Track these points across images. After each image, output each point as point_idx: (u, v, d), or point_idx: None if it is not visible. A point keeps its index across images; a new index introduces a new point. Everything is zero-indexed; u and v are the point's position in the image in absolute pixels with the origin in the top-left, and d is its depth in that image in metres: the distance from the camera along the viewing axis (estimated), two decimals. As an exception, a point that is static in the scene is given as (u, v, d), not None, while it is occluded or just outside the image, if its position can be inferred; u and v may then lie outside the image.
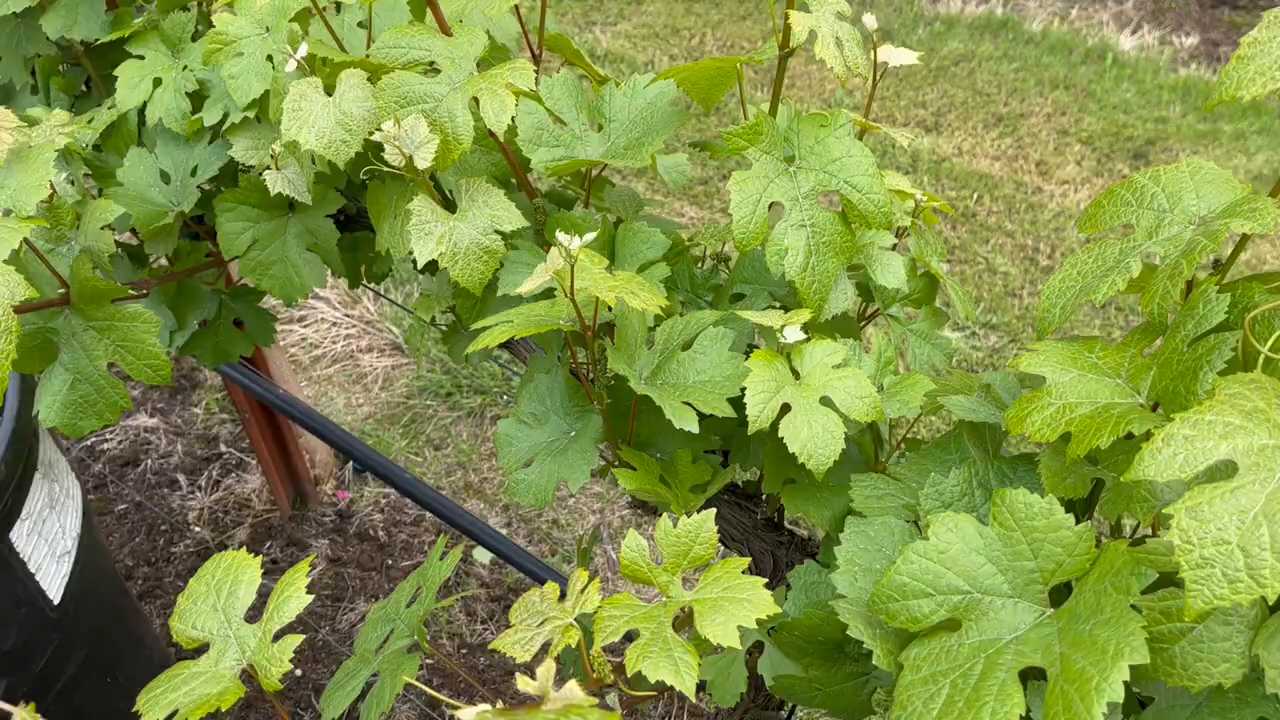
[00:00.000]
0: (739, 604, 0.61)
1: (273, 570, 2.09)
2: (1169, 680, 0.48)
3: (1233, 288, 0.54)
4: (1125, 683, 0.45)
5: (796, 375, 0.71)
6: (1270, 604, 0.42)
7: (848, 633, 0.59)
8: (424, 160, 0.74)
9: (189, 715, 0.59)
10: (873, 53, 0.82)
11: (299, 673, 1.92)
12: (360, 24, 0.98)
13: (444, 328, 1.00)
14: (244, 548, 2.11)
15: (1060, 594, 0.54)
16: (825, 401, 0.69)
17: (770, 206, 0.74)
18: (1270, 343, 0.48)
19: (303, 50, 0.81)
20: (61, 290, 0.91)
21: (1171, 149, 3.10)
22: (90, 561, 1.25)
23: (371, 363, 2.48)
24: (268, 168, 0.93)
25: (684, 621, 0.62)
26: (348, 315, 2.60)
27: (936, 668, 0.54)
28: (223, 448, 2.33)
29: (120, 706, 1.34)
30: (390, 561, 2.07)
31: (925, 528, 0.59)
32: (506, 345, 1.02)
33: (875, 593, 0.58)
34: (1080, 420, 0.54)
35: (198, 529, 2.17)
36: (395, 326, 2.57)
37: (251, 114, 0.96)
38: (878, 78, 0.84)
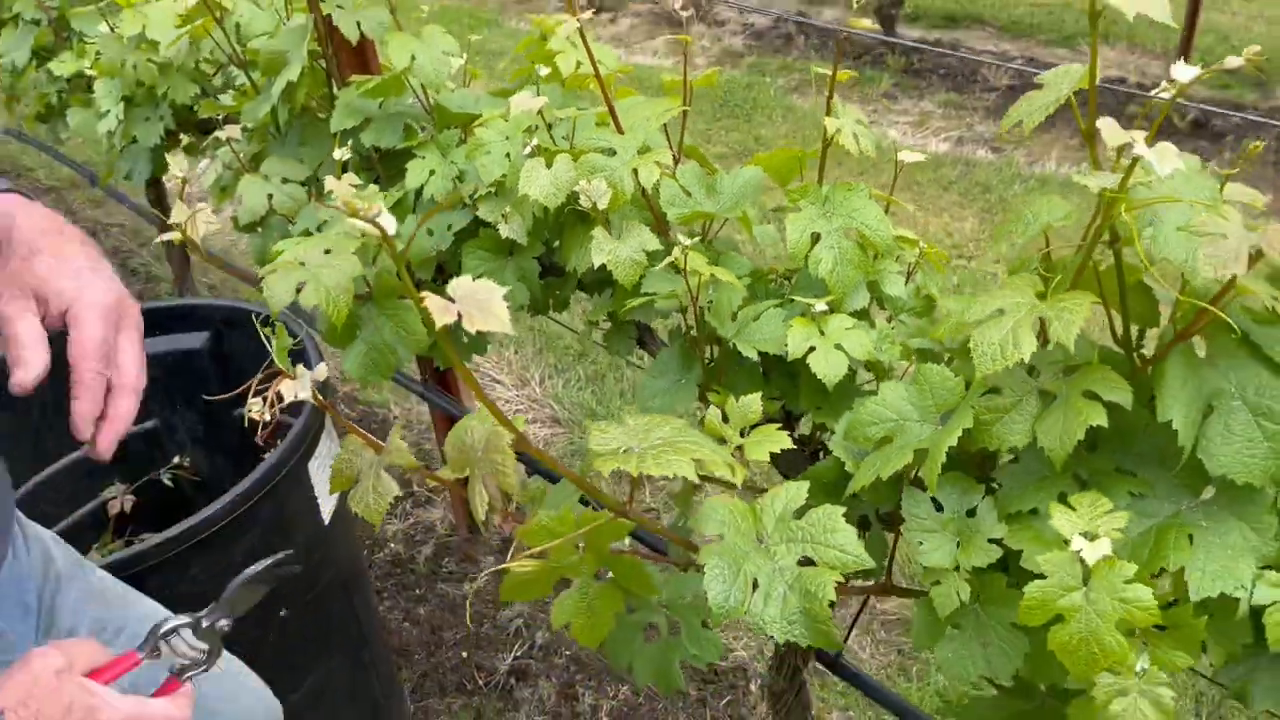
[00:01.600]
0: (769, 441, 0.99)
1: (449, 579, 2.52)
2: (989, 444, 0.85)
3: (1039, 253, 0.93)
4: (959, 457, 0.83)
5: (822, 333, 1.10)
6: (979, 374, 0.80)
7: (835, 454, 0.97)
8: (602, 204, 1.19)
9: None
10: (895, 154, 1.24)
11: (465, 655, 2.30)
12: (564, 137, 1.46)
13: (603, 335, 1.44)
14: (427, 562, 2.55)
15: (945, 417, 0.91)
16: (838, 347, 1.08)
17: (813, 235, 1.16)
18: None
19: (533, 144, 1.29)
20: (367, 290, 1.39)
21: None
22: (341, 508, 1.70)
23: (534, 431, 2.95)
24: (501, 222, 1.40)
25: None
26: (519, 394, 3.10)
27: (881, 461, 0.92)
28: (415, 488, 2.80)
29: (351, 625, 1.76)
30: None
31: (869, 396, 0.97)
32: (642, 344, 1.44)
33: (847, 429, 0.96)
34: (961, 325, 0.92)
35: (393, 545, 2.62)
36: (555, 403, 3.04)
37: (492, 189, 1.44)
38: (898, 170, 1.26)
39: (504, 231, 1.40)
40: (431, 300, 0.64)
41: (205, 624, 0.82)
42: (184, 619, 0.82)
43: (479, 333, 1.63)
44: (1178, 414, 0.79)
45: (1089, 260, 0.80)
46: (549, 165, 1.26)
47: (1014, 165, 4.33)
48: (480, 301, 0.66)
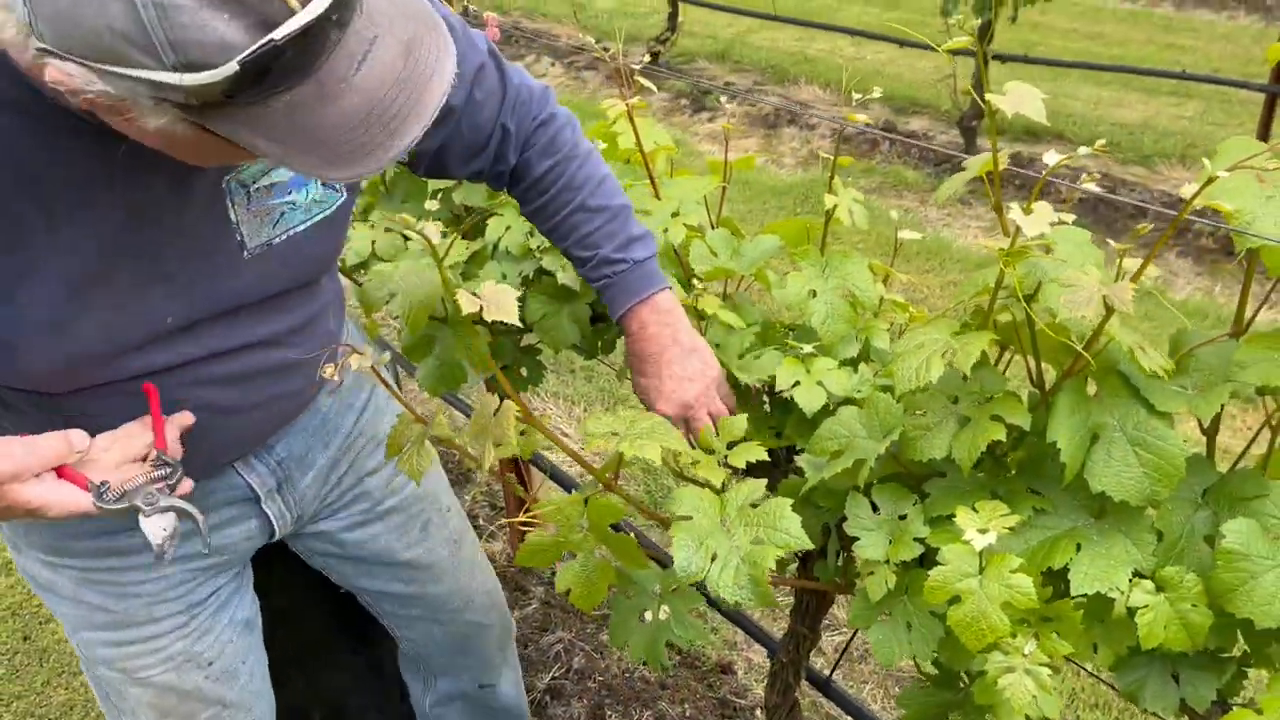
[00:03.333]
0: (747, 453, 1.17)
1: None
2: (915, 455, 1.01)
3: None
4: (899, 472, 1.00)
5: (808, 372, 1.28)
6: (898, 393, 0.97)
7: (802, 467, 1.15)
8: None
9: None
10: (894, 232, 1.43)
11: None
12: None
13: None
14: (484, 587, 2.74)
15: (886, 435, 1.08)
16: (820, 384, 1.26)
17: (810, 292, 1.35)
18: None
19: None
20: (443, 315, 1.62)
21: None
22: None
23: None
24: (559, 271, 1.63)
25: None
26: (571, 431, 3.30)
27: (837, 470, 1.09)
28: (481, 522, 3.01)
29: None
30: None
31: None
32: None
33: (810, 444, 1.14)
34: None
35: (455, 569, 2.82)
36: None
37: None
38: (898, 244, 1.45)
39: (560, 279, 1.62)
40: (463, 295, 0.86)
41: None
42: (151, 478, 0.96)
43: (535, 367, 1.85)
44: (1062, 436, 0.95)
45: (992, 307, 0.97)
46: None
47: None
48: (497, 299, 0.87)
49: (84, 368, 0.96)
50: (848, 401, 1.30)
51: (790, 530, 1.01)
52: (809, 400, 1.23)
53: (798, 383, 1.25)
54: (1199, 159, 5.59)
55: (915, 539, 1.04)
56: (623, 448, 0.96)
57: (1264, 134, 4.54)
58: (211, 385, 1.05)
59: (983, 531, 0.93)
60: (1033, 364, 1.03)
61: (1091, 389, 0.98)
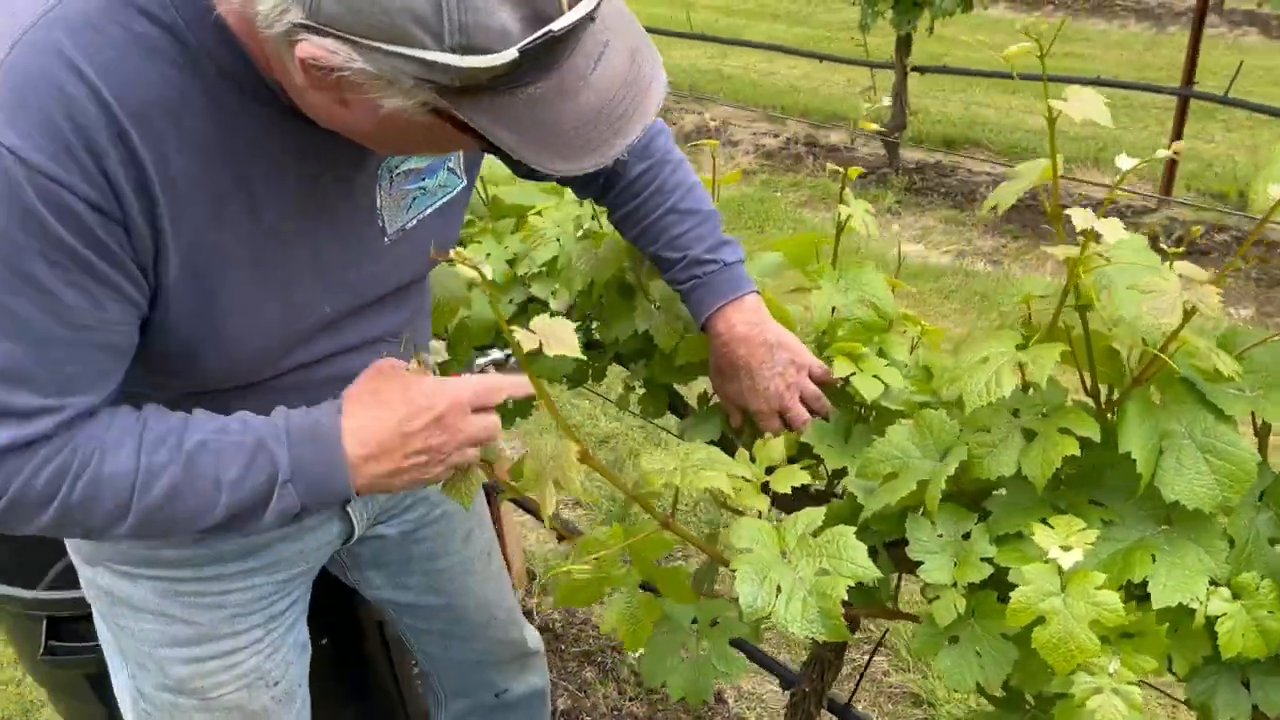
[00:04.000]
0: (790, 477, 1.13)
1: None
2: (980, 474, 0.98)
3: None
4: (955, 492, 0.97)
5: (860, 369, 1.24)
6: (968, 410, 0.94)
7: (850, 490, 1.11)
8: (649, 279, 1.36)
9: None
10: (898, 247, 1.41)
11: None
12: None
13: (638, 400, 1.59)
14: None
15: (943, 454, 1.05)
16: (876, 377, 1.23)
17: (833, 308, 1.32)
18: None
19: (585, 228, 1.47)
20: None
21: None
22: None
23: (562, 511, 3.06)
24: (550, 298, 1.57)
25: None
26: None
27: (889, 491, 1.05)
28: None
29: (383, 667, 1.86)
30: (563, 647, 2.54)
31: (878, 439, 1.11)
32: (673, 409, 1.59)
33: (860, 468, 1.10)
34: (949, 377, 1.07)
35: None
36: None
37: (543, 269, 1.61)
38: (900, 256, 1.43)
39: (554, 305, 1.56)
40: (520, 332, 0.80)
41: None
42: (496, 354, 1.20)
43: (524, 400, 1.78)
44: (1135, 446, 0.93)
45: (1059, 316, 0.95)
46: (597, 247, 1.43)
47: (1010, 275, 4.54)
48: (555, 332, 0.82)
49: (257, 362, 0.97)
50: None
51: (857, 559, 0.97)
52: (868, 388, 1.20)
53: (854, 373, 1.21)
54: (1111, 161, 5.80)
55: (982, 559, 1.01)
56: (682, 482, 0.91)
57: (1178, 135, 4.73)
58: (340, 382, 1.00)
59: (1066, 549, 0.91)
60: (1089, 378, 1.01)
61: (1155, 398, 0.96)
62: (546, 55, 0.73)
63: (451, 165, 1.09)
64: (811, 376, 1.28)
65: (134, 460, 0.88)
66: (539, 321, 0.83)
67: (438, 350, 0.99)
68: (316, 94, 0.79)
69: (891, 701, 2.33)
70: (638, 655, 2.52)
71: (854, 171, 1.35)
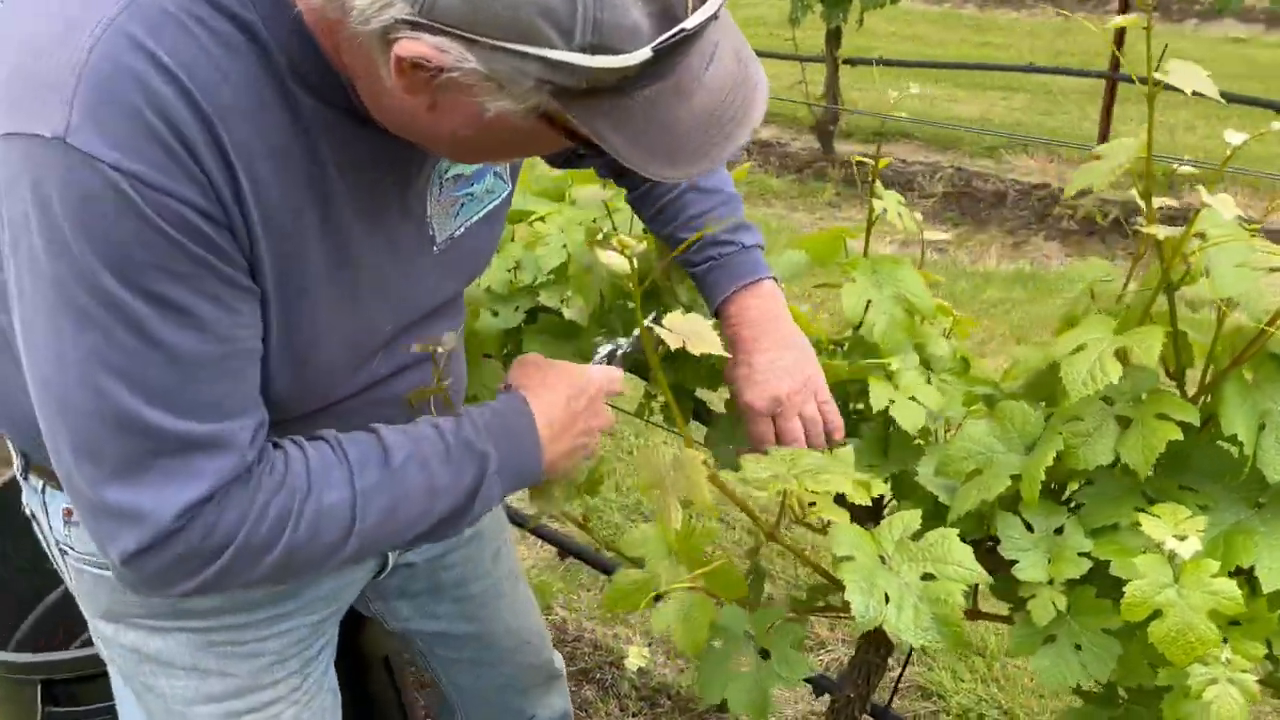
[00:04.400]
0: (871, 487, 1.09)
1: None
2: (1077, 464, 0.96)
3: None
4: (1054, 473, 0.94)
5: (896, 388, 1.21)
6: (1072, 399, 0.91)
7: (934, 492, 1.07)
8: (679, 281, 1.31)
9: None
10: (920, 234, 1.39)
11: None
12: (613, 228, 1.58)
13: (661, 408, 1.53)
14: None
15: (1028, 446, 1.02)
16: (913, 399, 1.19)
17: (866, 303, 1.28)
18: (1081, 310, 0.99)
19: (604, 229, 1.41)
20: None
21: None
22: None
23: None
24: (563, 307, 1.51)
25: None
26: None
27: (979, 488, 1.02)
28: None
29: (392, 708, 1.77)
30: (558, 666, 2.46)
31: (957, 432, 1.08)
32: (698, 416, 1.54)
33: (939, 466, 1.06)
34: (1030, 366, 1.04)
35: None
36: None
37: (551, 277, 1.55)
38: (924, 247, 1.40)
39: (568, 314, 1.50)
40: (660, 330, 0.74)
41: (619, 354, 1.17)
42: (606, 348, 1.19)
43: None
44: (1240, 427, 0.91)
45: (1154, 300, 0.93)
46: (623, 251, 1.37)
47: (959, 263, 4.60)
48: (695, 330, 0.76)
49: (325, 385, 0.93)
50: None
51: (964, 562, 0.94)
52: (910, 418, 1.16)
53: (892, 401, 1.18)
54: (1040, 148, 5.94)
55: (1079, 554, 0.98)
56: (795, 487, 0.86)
57: (1106, 117, 4.85)
58: (391, 406, 1.00)
59: (1180, 538, 0.88)
60: (1170, 361, 0.99)
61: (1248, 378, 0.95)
62: (672, 56, 0.69)
63: (498, 170, 1.04)
64: (826, 424, 1.21)
65: (348, 488, 0.86)
66: (675, 319, 0.77)
67: (450, 340, 0.96)
68: (408, 97, 0.72)
69: (899, 696, 2.31)
70: (636, 669, 2.45)
71: (884, 162, 1.32)
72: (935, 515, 1.15)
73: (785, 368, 1.19)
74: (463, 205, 1.00)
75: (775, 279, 1.26)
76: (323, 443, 0.88)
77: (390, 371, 1.00)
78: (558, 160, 1.24)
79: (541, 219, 1.58)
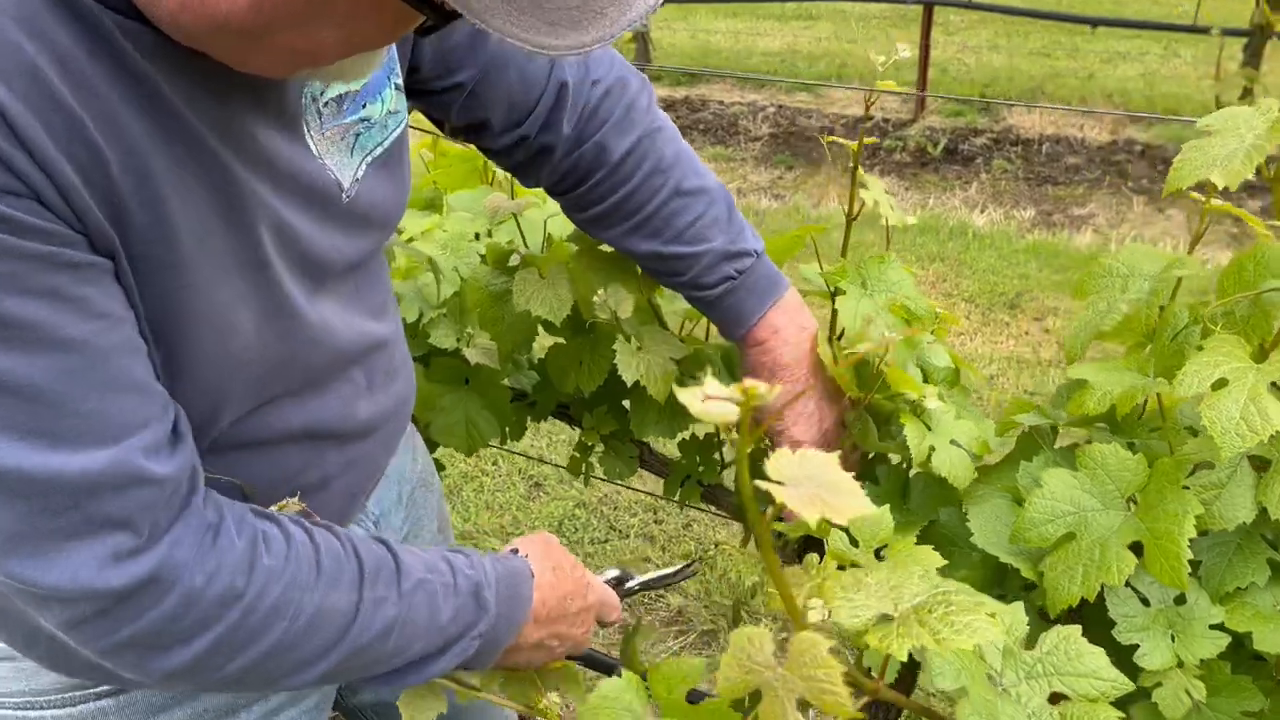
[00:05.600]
0: (919, 559, 0.89)
1: None
2: (1213, 525, 0.78)
3: (1188, 306, 0.89)
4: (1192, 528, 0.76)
5: (929, 428, 1.01)
6: (1265, 459, 0.74)
7: (1003, 560, 0.88)
8: (625, 312, 1.05)
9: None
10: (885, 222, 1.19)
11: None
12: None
13: (599, 459, 1.28)
14: None
15: (1131, 502, 0.84)
16: (954, 443, 1.00)
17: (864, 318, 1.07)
18: (1219, 325, 0.82)
19: (517, 257, 1.12)
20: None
21: (1036, 297, 3.63)
22: None
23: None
24: (463, 347, 1.22)
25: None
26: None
27: (1070, 563, 0.83)
28: None
29: None
30: None
31: (1032, 489, 0.89)
32: (644, 463, 1.30)
33: (1015, 529, 0.87)
34: (1119, 396, 0.86)
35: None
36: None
37: (443, 311, 1.25)
38: (890, 233, 1.20)
39: (472, 356, 1.21)
40: (781, 493, 0.48)
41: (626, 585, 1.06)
42: (614, 572, 1.06)
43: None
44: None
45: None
46: (543, 274, 1.10)
47: (802, 209, 4.51)
48: (826, 480, 0.51)
49: (232, 390, 0.74)
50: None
51: (1100, 671, 0.74)
52: (959, 471, 0.96)
53: (933, 449, 0.97)
54: (853, 78, 5.95)
55: (1211, 626, 0.81)
56: (943, 641, 0.63)
57: (925, 41, 4.85)
58: (322, 440, 0.85)
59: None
60: None
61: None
62: None
63: (397, 80, 0.83)
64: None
65: (355, 592, 0.74)
66: (783, 463, 0.50)
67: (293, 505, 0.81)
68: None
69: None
70: None
71: (870, 140, 1.10)
72: (994, 582, 0.97)
73: (832, 396, 1.05)
74: (359, 135, 0.79)
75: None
76: (329, 533, 0.76)
77: (316, 380, 0.82)
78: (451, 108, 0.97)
79: (410, 239, 1.28)
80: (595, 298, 1.05)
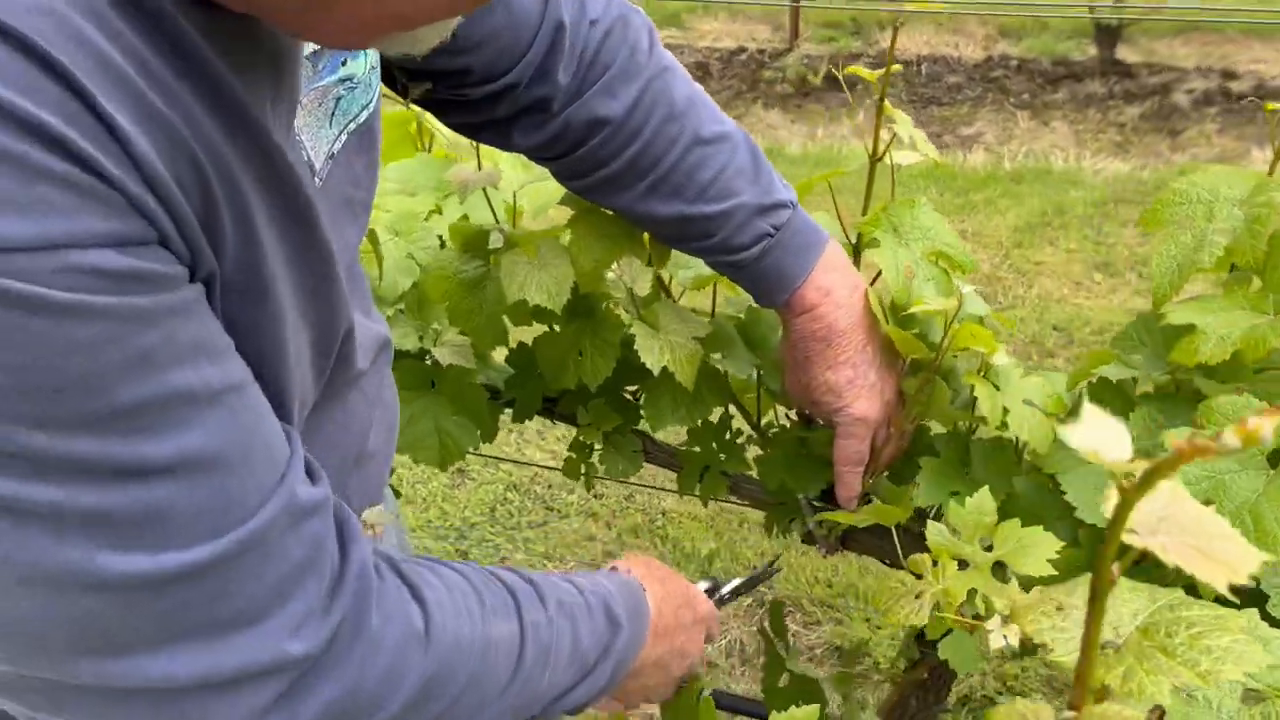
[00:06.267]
0: (1034, 547, 0.78)
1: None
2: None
3: (1296, 231, 0.80)
4: None
5: (998, 388, 0.90)
6: None
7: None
8: (643, 289, 0.90)
9: None
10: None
11: None
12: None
13: (600, 457, 1.13)
14: None
15: (1273, 459, 0.76)
16: (1028, 402, 0.90)
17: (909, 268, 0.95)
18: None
19: (498, 237, 0.96)
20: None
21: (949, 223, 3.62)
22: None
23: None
24: (434, 346, 1.05)
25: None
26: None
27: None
28: None
29: None
30: None
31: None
32: (650, 457, 1.16)
33: (1139, 502, 0.77)
34: (1240, 338, 0.77)
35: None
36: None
37: (400, 306, 1.08)
38: (894, 172, 1.09)
39: (444, 357, 1.04)
40: (1153, 544, 0.35)
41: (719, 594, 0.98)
42: (706, 584, 0.98)
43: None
44: None
45: None
46: (531, 256, 0.94)
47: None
48: (1205, 532, 0.38)
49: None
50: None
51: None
52: (1040, 435, 0.86)
53: (1006, 410, 0.87)
54: (725, 7, 5.82)
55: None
56: (1203, 675, 0.52)
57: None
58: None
59: None
60: None
61: None
62: None
63: None
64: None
65: (514, 619, 0.67)
66: (1148, 511, 0.37)
67: (380, 515, 0.70)
68: None
69: (816, 662, 2.12)
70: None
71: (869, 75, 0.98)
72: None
73: (888, 362, 0.94)
74: (339, 100, 0.65)
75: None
76: (465, 566, 0.69)
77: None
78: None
79: (359, 222, 1.09)
80: (610, 273, 0.90)
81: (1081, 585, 0.61)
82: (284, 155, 0.52)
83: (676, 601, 0.85)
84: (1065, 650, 0.53)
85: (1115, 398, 0.90)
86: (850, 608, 2.21)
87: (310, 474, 0.56)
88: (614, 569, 0.84)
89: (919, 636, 1.10)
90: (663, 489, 1.93)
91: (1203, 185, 0.88)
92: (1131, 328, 0.95)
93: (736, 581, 0.96)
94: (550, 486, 2.64)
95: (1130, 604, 0.58)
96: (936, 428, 1.05)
